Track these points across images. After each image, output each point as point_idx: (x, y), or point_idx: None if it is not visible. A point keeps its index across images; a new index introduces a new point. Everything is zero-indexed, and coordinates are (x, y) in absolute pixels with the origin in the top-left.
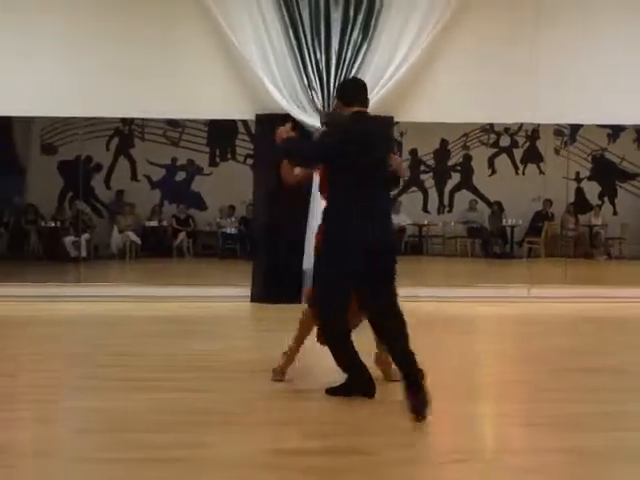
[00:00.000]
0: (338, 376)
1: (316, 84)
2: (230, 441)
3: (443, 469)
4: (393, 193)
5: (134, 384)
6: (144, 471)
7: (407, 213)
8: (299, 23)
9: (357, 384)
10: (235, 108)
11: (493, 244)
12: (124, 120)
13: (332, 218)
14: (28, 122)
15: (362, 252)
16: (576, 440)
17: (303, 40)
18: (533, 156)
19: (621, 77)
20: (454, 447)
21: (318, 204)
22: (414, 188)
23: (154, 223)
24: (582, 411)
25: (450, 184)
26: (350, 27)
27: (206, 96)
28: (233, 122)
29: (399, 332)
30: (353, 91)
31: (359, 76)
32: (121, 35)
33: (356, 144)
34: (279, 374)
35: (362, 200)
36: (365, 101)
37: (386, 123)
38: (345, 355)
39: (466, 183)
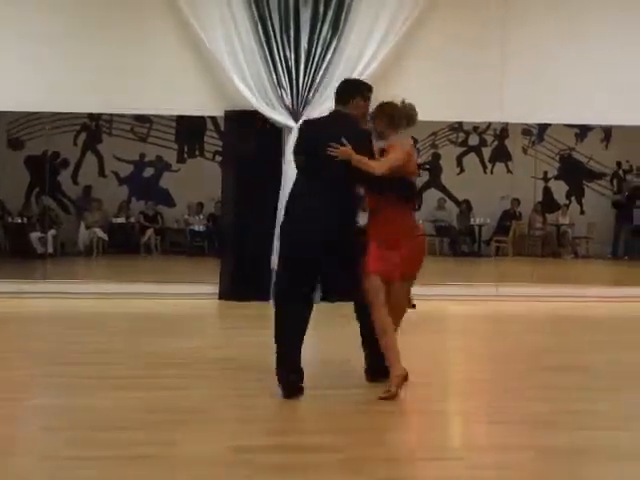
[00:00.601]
0: (311, 372)
1: (285, 81)
2: (200, 439)
3: (413, 467)
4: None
5: (107, 382)
6: (116, 469)
7: None
8: (268, 20)
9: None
10: (204, 105)
11: (461, 243)
12: (91, 115)
13: (285, 215)
14: None
15: (301, 253)
16: (546, 438)
17: (272, 37)
18: (501, 155)
19: (589, 77)
20: (425, 445)
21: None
22: None
23: (121, 220)
24: (551, 409)
25: (418, 182)
26: (320, 23)
27: (175, 92)
28: (202, 119)
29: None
30: (338, 90)
31: (328, 73)
32: (90, 31)
33: (307, 144)
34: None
35: (306, 201)
36: (341, 101)
37: (356, 123)
38: (279, 337)
39: (434, 182)
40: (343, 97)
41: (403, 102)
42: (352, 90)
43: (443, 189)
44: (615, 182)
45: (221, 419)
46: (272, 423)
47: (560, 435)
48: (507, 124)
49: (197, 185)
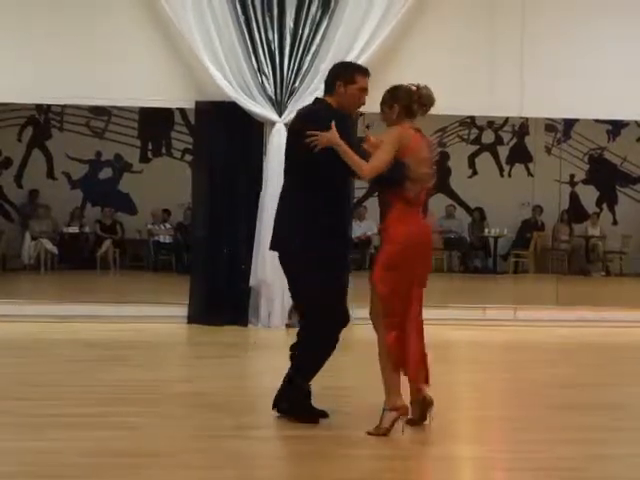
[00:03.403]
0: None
1: (267, 67)
2: None
3: None
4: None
5: (51, 420)
6: None
7: (373, 220)
8: None
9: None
10: (171, 94)
11: (473, 257)
12: (39, 107)
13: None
14: None
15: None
16: None
17: (252, 16)
18: (521, 155)
19: (625, 66)
20: None
21: (269, 209)
22: None
23: (74, 229)
24: (575, 455)
25: None
26: (307, 0)
27: (138, 80)
28: (169, 111)
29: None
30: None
31: (317, 58)
32: (39, 9)
33: None
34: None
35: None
36: (326, 88)
37: (313, 106)
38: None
39: (442, 186)
40: (327, 83)
41: (418, 87)
42: (336, 74)
43: (452, 194)
44: None
45: (184, 465)
46: (245, 470)
47: None
48: (527, 119)
49: (163, 189)
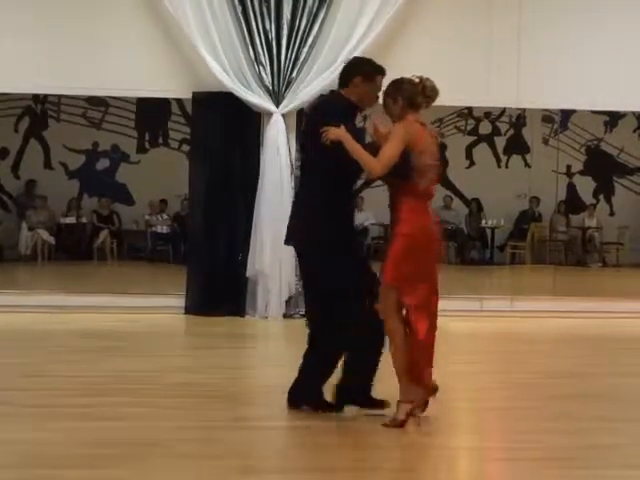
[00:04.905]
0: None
1: (264, 58)
2: (159, 478)
3: None
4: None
5: (50, 411)
6: None
7: (371, 211)
8: None
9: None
10: (169, 85)
11: (470, 248)
12: (36, 97)
13: None
14: None
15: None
16: (564, 478)
17: (249, 6)
18: (518, 146)
19: (621, 57)
20: None
21: (266, 199)
22: (378, 182)
23: (71, 220)
24: (571, 444)
25: None
26: None
27: (134, 70)
28: (166, 101)
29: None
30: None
31: (314, 49)
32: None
33: None
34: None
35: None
36: (340, 82)
37: (329, 96)
38: None
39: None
40: (344, 76)
41: (422, 79)
42: (356, 69)
43: (449, 185)
44: None
45: (184, 455)
46: (245, 460)
47: (578, 475)
48: (524, 110)
49: (160, 179)
